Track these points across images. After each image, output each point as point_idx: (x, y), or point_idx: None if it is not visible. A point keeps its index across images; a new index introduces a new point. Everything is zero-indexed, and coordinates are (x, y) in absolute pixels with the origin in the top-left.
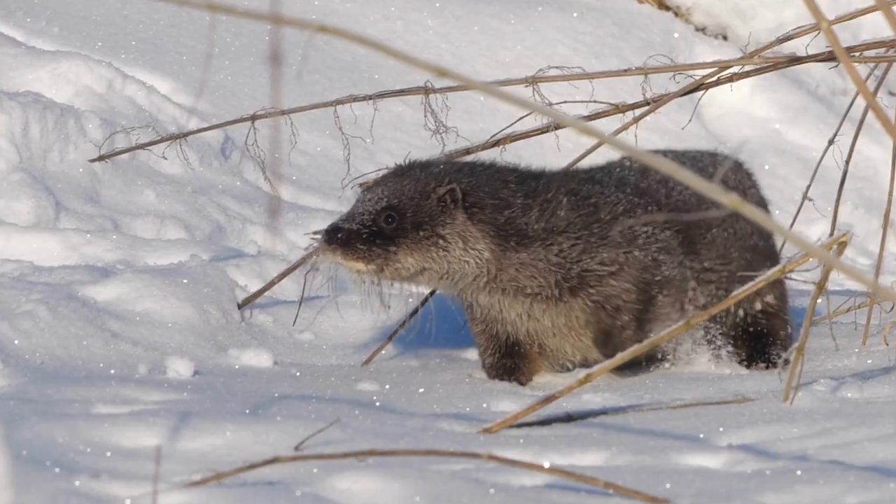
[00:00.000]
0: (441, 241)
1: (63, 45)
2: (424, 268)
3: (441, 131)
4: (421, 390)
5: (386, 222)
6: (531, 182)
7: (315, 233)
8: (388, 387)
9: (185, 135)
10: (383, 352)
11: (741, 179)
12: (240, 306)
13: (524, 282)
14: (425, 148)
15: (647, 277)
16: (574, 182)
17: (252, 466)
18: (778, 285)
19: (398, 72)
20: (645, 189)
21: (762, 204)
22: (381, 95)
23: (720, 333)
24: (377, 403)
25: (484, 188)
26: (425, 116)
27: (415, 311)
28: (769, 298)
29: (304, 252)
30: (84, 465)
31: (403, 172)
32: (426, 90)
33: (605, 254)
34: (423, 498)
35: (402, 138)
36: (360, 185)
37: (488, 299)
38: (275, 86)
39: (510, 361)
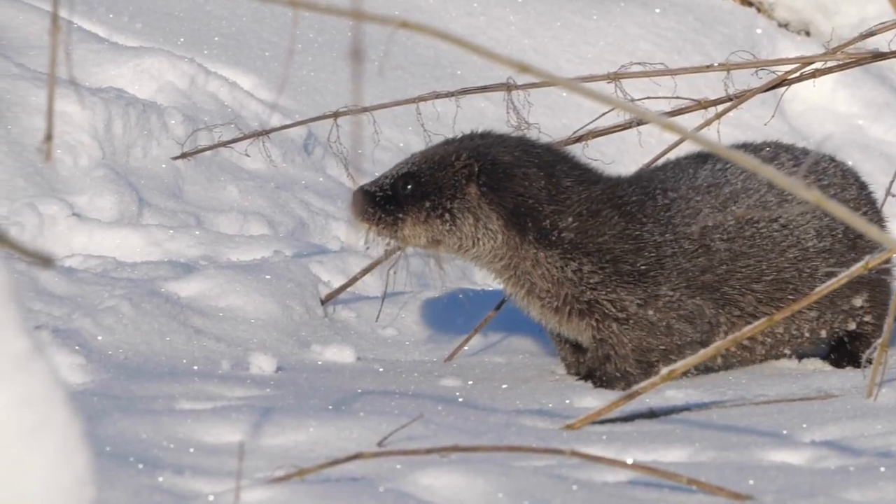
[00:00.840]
0: (447, 215)
1: (146, 40)
2: (436, 239)
3: (523, 127)
4: (504, 386)
5: (403, 188)
6: (584, 187)
7: None
8: (471, 382)
9: (268, 131)
10: (466, 347)
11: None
12: (323, 302)
13: (536, 280)
14: None
15: (651, 343)
16: (630, 202)
17: (335, 462)
18: (871, 288)
19: (480, 68)
20: (698, 231)
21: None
22: (464, 92)
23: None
24: (460, 399)
25: (511, 172)
26: (507, 113)
27: (499, 306)
28: (858, 301)
29: (386, 248)
30: (167, 461)
31: (449, 141)
32: (508, 86)
33: (621, 295)
34: (506, 494)
35: None
36: None
37: (511, 290)
38: (356, 82)
39: (565, 354)
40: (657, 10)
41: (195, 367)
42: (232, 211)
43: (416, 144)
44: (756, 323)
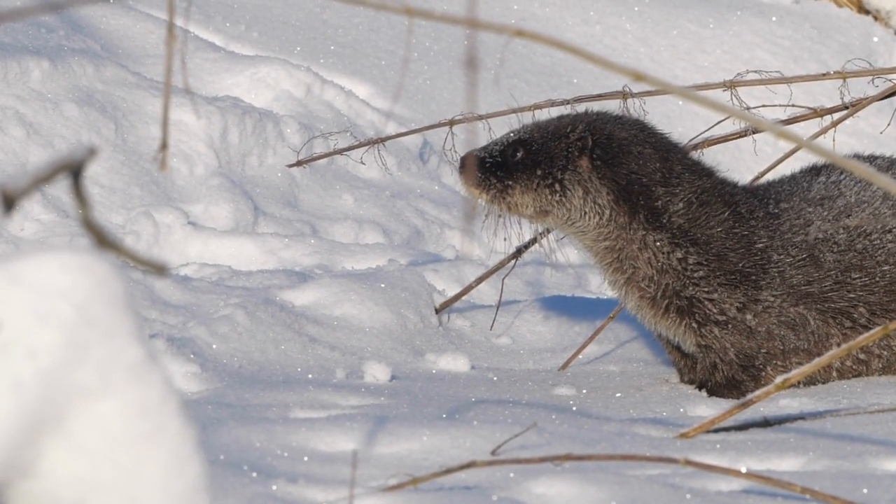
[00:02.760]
0: (557, 186)
1: (262, 49)
2: (544, 209)
3: None
4: (618, 395)
5: (513, 155)
6: (696, 177)
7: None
8: (585, 391)
9: (384, 139)
10: (581, 356)
11: None
12: (437, 311)
13: (640, 265)
14: None
15: (752, 348)
16: (741, 202)
17: (449, 471)
18: None
19: (596, 76)
20: (813, 245)
21: None
22: (579, 100)
23: None
24: (574, 408)
25: (626, 149)
26: None
27: (613, 315)
28: None
29: (501, 257)
30: (281, 469)
31: (564, 115)
32: (624, 94)
33: (721, 296)
34: (619, 502)
35: None
36: None
37: (611, 277)
38: (471, 90)
39: (675, 359)
40: (774, 19)
41: (309, 376)
42: (347, 219)
43: None
44: (869, 332)
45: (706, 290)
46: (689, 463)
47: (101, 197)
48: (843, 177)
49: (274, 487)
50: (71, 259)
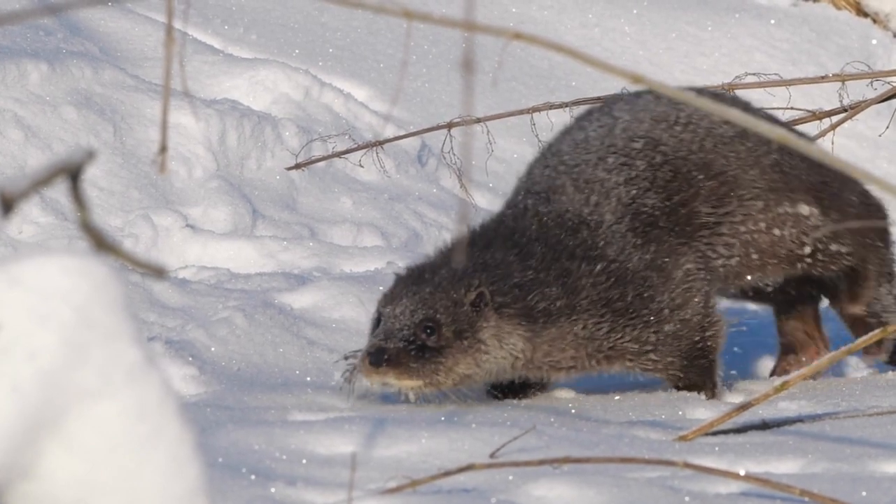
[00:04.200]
0: (482, 346)
1: (260, 52)
2: (470, 374)
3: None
4: (616, 398)
5: (426, 335)
6: (535, 250)
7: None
8: (583, 394)
9: (382, 142)
10: None
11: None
12: None
13: (557, 356)
14: None
15: (689, 342)
16: (575, 241)
17: (447, 474)
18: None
19: (595, 79)
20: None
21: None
22: (578, 102)
23: None
24: (572, 411)
25: (505, 280)
26: None
27: None
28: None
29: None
30: (280, 472)
31: (419, 279)
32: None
33: (634, 334)
34: None
35: None
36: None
37: (531, 374)
38: (469, 93)
39: None
40: (772, 21)
41: (308, 379)
42: (346, 222)
43: (530, 155)
44: (870, 334)
45: (620, 337)
46: (687, 465)
47: (99, 200)
48: (610, 109)
49: (272, 490)
50: (70, 262)
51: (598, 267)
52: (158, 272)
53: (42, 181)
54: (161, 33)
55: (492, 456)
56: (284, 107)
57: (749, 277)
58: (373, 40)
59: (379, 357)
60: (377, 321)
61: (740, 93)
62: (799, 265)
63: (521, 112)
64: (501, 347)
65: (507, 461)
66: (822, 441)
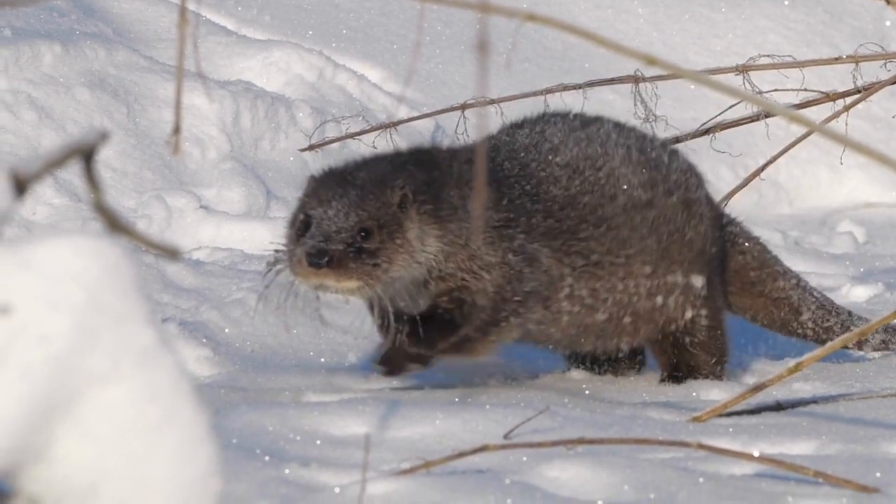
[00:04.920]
0: (410, 246)
1: (274, 33)
2: (400, 276)
3: (651, 120)
4: (631, 378)
5: (362, 237)
6: (454, 165)
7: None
8: (597, 375)
9: (396, 124)
10: None
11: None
12: None
13: (457, 265)
14: None
15: (506, 307)
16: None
17: (461, 455)
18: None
19: (608, 60)
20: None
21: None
22: (591, 84)
23: None
24: (586, 392)
25: (425, 184)
26: (635, 105)
27: None
28: (699, 282)
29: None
30: (294, 453)
31: (343, 181)
32: (636, 78)
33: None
34: (632, 486)
35: None
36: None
37: (440, 299)
38: (483, 74)
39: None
40: (786, 3)
41: (322, 360)
42: None
43: None
44: (876, 319)
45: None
46: (701, 447)
47: (112, 181)
48: (547, 127)
49: (286, 471)
50: (83, 243)
51: (504, 200)
52: (172, 253)
53: (55, 162)
54: (175, 14)
55: (506, 437)
56: (298, 88)
57: (614, 341)
58: (386, 21)
59: (320, 258)
60: (304, 223)
61: (754, 75)
62: (672, 327)
63: (534, 94)
64: (423, 249)
65: (521, 442)
66: (835, 422)
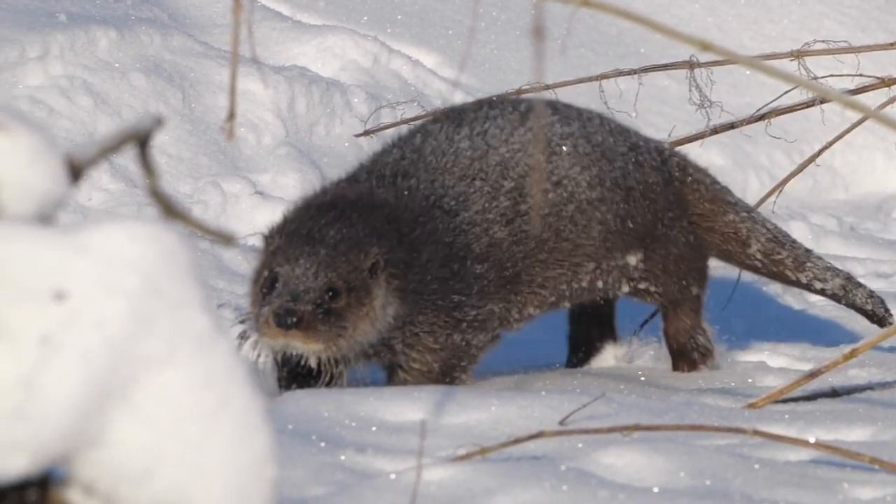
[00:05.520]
0: (374, 312)
1: (329, 19)
2: (362, 340)
3: (706, 105)
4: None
5: (329, 297)
6: (411, 226)
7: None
8: (653, 362)
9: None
10: (649, 324)
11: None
12: None
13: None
14: (690, 122)
15: (455, 363)
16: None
17: (516, 441)
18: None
19: (663, 46)
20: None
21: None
22: (646, 70)
23: None
24: (642, 378)
25: (394, 251)
26: (690, 91)
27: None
28: (633, 260)
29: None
30: (349, 439)
31: (310, 238)
32: (691, 64)
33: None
34: (688, 473)
35: (668, 112)
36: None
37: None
38: (538, 60)
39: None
40: None
41: None
42: None
43: None
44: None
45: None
46: (757, 433)
47: (168, 166)
48: (487, 126)
49: (342, 457)
50: (138, 229)
51: (455, 266)
52: (227, 239)
53: (111, 148)
54: (230, 0)
55: (561, 423)
56: (353, 73)
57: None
58: (441, 6)
59: (288, 319)
60: (270, 280)
61: (809, 60)
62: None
63: (589, 79)
64: (385, 316)
65: (577, 428)
66: (892, 409)
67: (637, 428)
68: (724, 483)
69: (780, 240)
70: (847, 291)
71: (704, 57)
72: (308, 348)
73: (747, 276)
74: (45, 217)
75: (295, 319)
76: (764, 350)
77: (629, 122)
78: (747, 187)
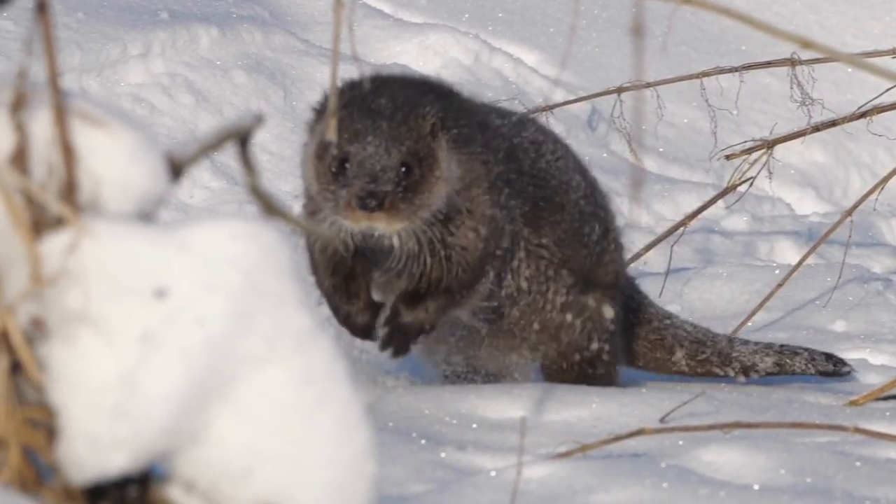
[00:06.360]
0: (444, 174)
1: (430, 17)
2: (437, 206)
3: (807, 103)
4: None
5: (405, 174)
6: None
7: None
8: None
9: (552, 107)
10: (750, 323)
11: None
12: None
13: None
14: (792, 119)
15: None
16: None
17: (617, 438)
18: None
19: (765, 43)
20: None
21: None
22: (747, 67)
23: None
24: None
25: (444, 104)
26: (791, 88)
27: (782, 282)
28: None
29: (670, 224)
30: (450, 436)
31: (370, 112)
32: (792, 62)
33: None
34: (788, 470)
35: (769, 110)
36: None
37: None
38: (638, 57)
39: None
40: None
41: None
42: None
43: (700, 120)
44: None
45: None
46: (858, 431)
47: (269, 164)
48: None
49: (443, 454)
50: (239, 226)
51: (500, 155)
52: (328, 236)
53: (211, 146)
54: None
55: (662, 420)
56: (454, 71)
57: (511, 355)
58: (543, 5)
59: (372, 201)
60: (340, 159)
61: None
62: (577, 357)
63: (690, 77)
64: (450, 176)
65: (677, 426)
66: None
67: (737, 425)
68: (825, 481)
69: (701, 339)
70: (783, 366)
71: (806, 54)
72: (391, 228)
73: (847, 274)
74: (146, 215)
75: (375, 202)
76: (865, 347)
77: (731, 120)
78: (849, 185)
